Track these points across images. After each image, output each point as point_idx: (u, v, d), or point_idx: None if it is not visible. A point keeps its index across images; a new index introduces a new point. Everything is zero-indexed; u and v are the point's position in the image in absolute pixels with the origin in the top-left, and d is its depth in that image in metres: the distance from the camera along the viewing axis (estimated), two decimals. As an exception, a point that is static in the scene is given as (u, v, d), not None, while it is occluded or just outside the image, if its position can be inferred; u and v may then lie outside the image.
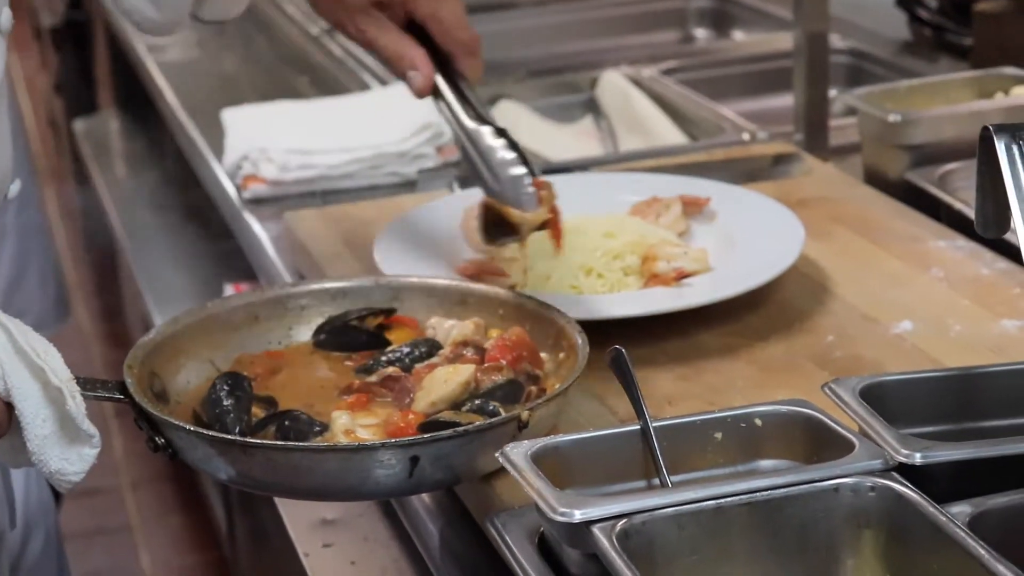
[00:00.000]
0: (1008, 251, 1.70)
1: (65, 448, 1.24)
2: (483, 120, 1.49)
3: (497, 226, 1.46)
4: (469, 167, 1.52)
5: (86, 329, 4.84)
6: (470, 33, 1.51)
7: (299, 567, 1.45)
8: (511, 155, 1.46)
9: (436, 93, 1.52)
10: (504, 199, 1.47)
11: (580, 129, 2.47)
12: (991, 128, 1.16)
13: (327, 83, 2.67)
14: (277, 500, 1.53)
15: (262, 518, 1.87)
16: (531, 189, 1.46)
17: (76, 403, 1.23)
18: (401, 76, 1.53)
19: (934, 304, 1.63)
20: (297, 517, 1.51)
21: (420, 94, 1.52)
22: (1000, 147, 1.15)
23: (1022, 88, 2.07)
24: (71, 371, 1.25)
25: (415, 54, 1.50)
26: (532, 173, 1.47)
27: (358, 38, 1.54)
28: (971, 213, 1.79)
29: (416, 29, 1.52)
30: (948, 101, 2.05)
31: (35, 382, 1.23)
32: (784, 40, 2.65)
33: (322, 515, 1.49)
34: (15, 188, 1.51)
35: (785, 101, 2.30)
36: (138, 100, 3.44)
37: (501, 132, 1.47)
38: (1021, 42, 2.30)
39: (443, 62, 1.51)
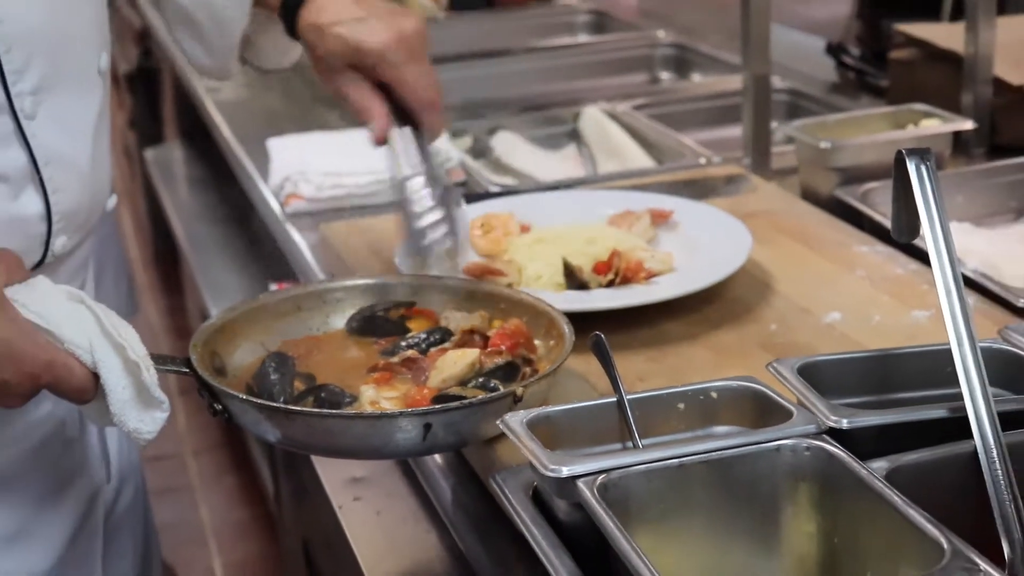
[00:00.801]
0: (918, 255, 1.70)
1: (141, 411, 1.25)
2: (422, 172, 1.48)
3: None
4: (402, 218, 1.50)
5: (154, 323, 4.84)
6: (431, 92, 1.48)
7: (334, 518, 1.45)
8: (423, 207, 1.46)
9: (383, 141, 1.50)
10: (412, 244, 1.47)
11: (565, 155, 2.48)
12: (904, 152, 1.17)
13: (354, 118, 2.65)
14: (314, 460, 1.53)
15: (302, 478, 1.87)
16: (426, 242, 1.46)
17: (150, 374, 1.24)
18: (364, 126, 1.51)
19: (858, 298, 1.63)
20: (331, 475, 1.51)
21: (375, 143, 1.51)
22: (911, 167, 1.17)
23: (929, 121, 2.08)
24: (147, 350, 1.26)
25: (376, 109, 1.49)
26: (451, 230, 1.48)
27: (334, 92, 1.53)
28: (888, 223, 1.79)
29: (387, 87, 1.49)
30: (869, 131, 2.06)
31: (117, 356, 1.23)
32: (734, 81, 2.65)
33: (352, 473, 1.50)
34: (112, 202, 1.52)
35: (735, 132, 2.31)
36: (198, 132, 3.44)
37: (434, 182, 1.46)
38: (928, 84, 2.32)
39: (409, 117, 1.48)
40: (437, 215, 1.48)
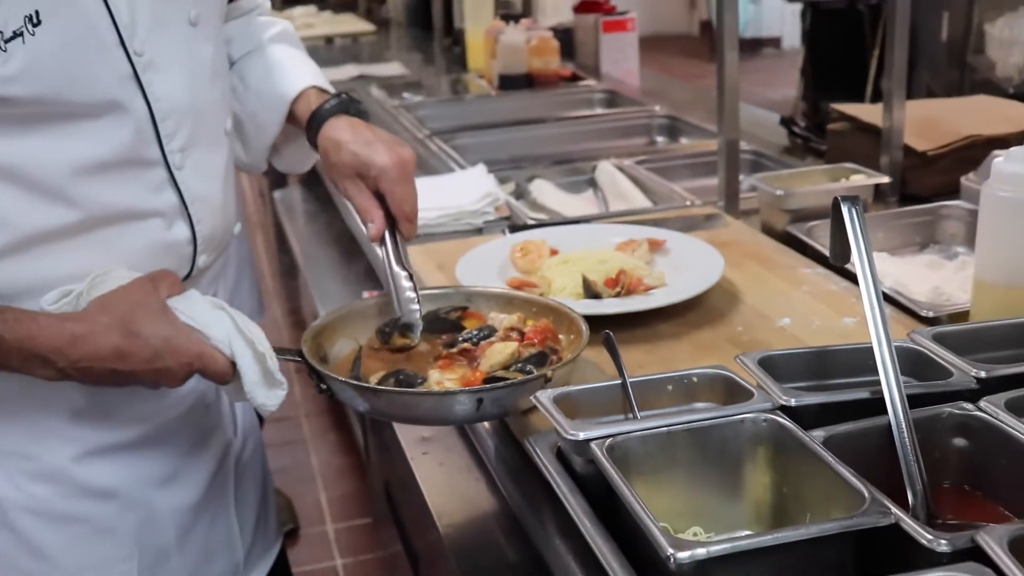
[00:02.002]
0: (848, 276, 1.69)
1: (267, 390, 1.26)
2: (403, 266, 1.44)
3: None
4: (389, 292, 1.45)
5: (279, 321, 4.87)
6: (411, 208, 1.44)
7: (407, 466, 1.45)
8: (411, 295, 1.42)
9: (382, 241, 1.45)
10: (402, 317, 1.42)
11: (585, 197, 2.48)
12: (839, 198, 1.18)
13: (428, 167, 2.67)
14: (394, 424, 1.52)
15: (384, 436, 1.87)
16: (417, 316, 1.42)
17: (273, 362, 1.25)
18: (363, 223, 1.47)
19: (803, 308, 1.62)
20: (406, 435, 1.50)
21: (373, 239, 1.46)
22: (844, 209, 1.17)
23: (856, 176, 2.06)
24: (270, 343, 1.26)
25: (375, 213, 1.44)
26: (419, 302, 1.43)
27: (342, 193, 1.49)
28: (826, 252, 1.78)
29: (381, 195, 1.45)
30: (812, 183, 2.04)
31: (248, 349, 1.24)
32: (711, 144, 2.66)
33: (421, 434, 1.49)
34: (237, 228, 1.52)
35: (712, 182, 2.30)
36: (313, 178, 3.45)
37: (411, 277, 1.44)
38: (855, 149, 2.29)
39: (392, 220, 1.45)
40: (414, 295, 1.44)
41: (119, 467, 1.36)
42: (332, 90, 1.55)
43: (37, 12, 1.16)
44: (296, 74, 1.56)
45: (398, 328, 1.43)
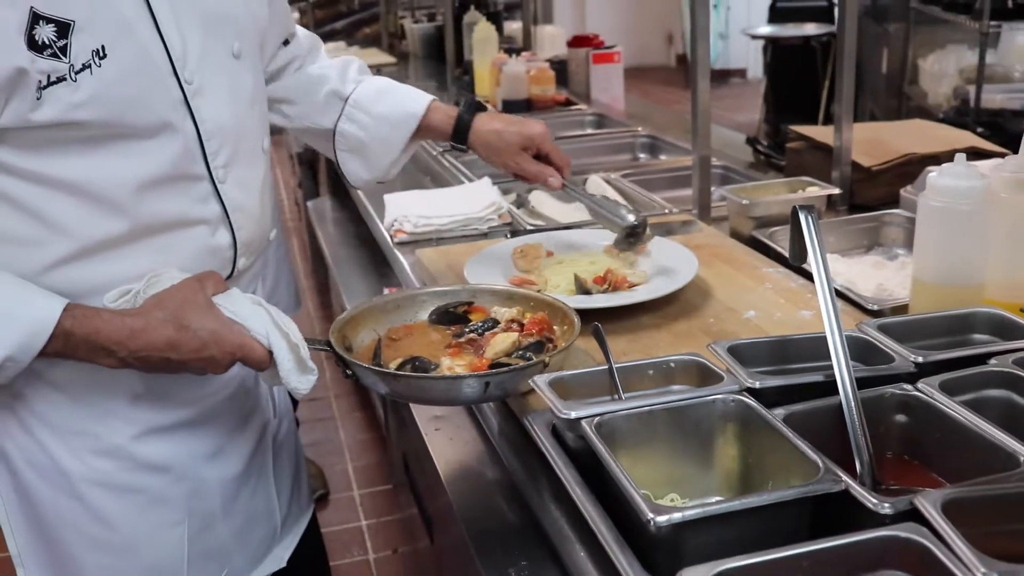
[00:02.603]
0: (805, 275, 1.68)
1: (299, 375, 1.25)
2: (587, 193, 1.71)
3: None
4: (595, 214, 1.70)
5: (312, 314, 4.85)
6: (567, 158, 1.66)
7: (422, 441, 1.43)
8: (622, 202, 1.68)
9: (564, 186, 1.65)
10: (613, 221, 1.66)
11: (577, 206, 2.45)
12: (797, 207, 1.17)
13: (440, 179, 2.67)
14: (411, 404, 1.51)
15: (402, 415, 1.86)
16: (631, 217, 1.67)
17: (305, 351, 1.24)
18: (544, 183, 1.65)
19: (766, 302, 1.61)
20: (421, 414, 1.49)
21: (558, 188, 1.66)
22: (802, 216, 1.16)
23: (812, 188, 2.05)
24: (302, 334, 1.26)
25: (550, 171, 1.64)
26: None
27: (514, 168, 1.65)
28: (786, 254, 1.77)
29: (541, 157, 1.65)
30: (773, 193, 2.02)
31: (283, 340, 1.23)
32: (687, 160, 2.64)
33: (434, 413, 1.48)
34: (273, 234, 1.52)
35: (687, 192, 2.28)
36: (341, 190, 3.45)
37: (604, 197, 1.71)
38: (810, 164, 2.28)
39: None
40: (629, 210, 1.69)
41: (172, 444, 1.36)
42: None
43: (103, 47, 1.16)
44: (412, 94, 1.69)
45: (625, 235, 1.66)
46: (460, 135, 1.64)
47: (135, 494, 1.34)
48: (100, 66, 1.16)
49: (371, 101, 1.66)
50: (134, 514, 1.34)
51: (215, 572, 1.42)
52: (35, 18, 1.11)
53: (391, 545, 3.16)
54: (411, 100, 1.66)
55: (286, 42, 1.63)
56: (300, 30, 1.69)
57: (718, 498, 1.07)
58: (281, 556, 1.53)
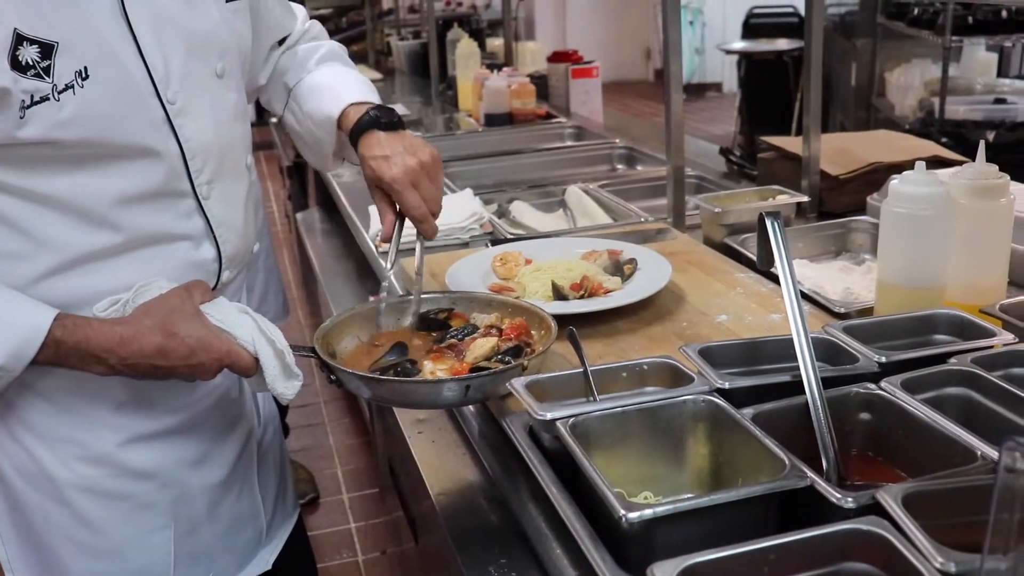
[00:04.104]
0: (775, 279, 1.63)
1: (285, 381, 1.24)
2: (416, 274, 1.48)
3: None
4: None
5: (302, 322, 4.84)
6: (421, 211, 1.41)
7: (406, 444, 1.43)
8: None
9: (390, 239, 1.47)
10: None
11: (556, 216, 2.47)
12: (763, 213, 1.18)
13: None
14: (394, 409, 1.50)
15: (387, 419, 1.86)
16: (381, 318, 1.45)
17: (290, 357, 1.24)
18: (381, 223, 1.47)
19: (737, 306, 1.61)
20: (404, 418, 1.48)
21: (383, 239, 1.47)
22: (768, 223, 1.17)
23: (781, 196, 2.06)
24: (288, 342, 1.25)
25: (386, 218, 1.45)
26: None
27: (371, 195, 1.48)
28: (756, 260, 1.78)
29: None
30: (745, 202, 2.03)
31: (269, 347, 1.23)
32: (663, 170, 2.65)
33: (417, 417, 1.47)
34: (257, 247, 1.51)
35: (661, 202, 2.29)
36: (330, 201, 3.44)
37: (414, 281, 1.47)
38: (781, 174, 2.30)
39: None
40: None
41: (157, 451, 1.35)
42: (373, 100, 1.52)
43: (86, 68, 1.16)
44: (338, 94, 1.54)
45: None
46: (354, 149, 1.49)
47: (121, 500, 1.33)
48: (83, 87, 1.15)
49: (304, 97, 1.59)
50: (120, 520, 1.33)
51: (201, 575, 1.41)
52: (19, 39, 1.11)
53: (380, 546, 3.15)
54: (332, 102, 1.53)
55: (282, 41, 1.61)
56: (300, 18, 1.66)
57: (689, 495, 1.06)
58: (267, 559, 1.52)
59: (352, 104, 1.51)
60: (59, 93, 1.14)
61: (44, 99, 1.13)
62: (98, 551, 1.33)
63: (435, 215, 1.43)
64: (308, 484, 3.42)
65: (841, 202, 2.15)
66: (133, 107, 1.21)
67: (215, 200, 1.33)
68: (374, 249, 2.13)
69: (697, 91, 10.86)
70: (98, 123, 1.18)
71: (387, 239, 1.46)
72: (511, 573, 1.07)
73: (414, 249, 2.00)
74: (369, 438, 3.55)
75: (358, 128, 1.47)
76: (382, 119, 1.47)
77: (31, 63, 1.12)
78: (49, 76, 1.13)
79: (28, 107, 1.13)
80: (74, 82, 1.14)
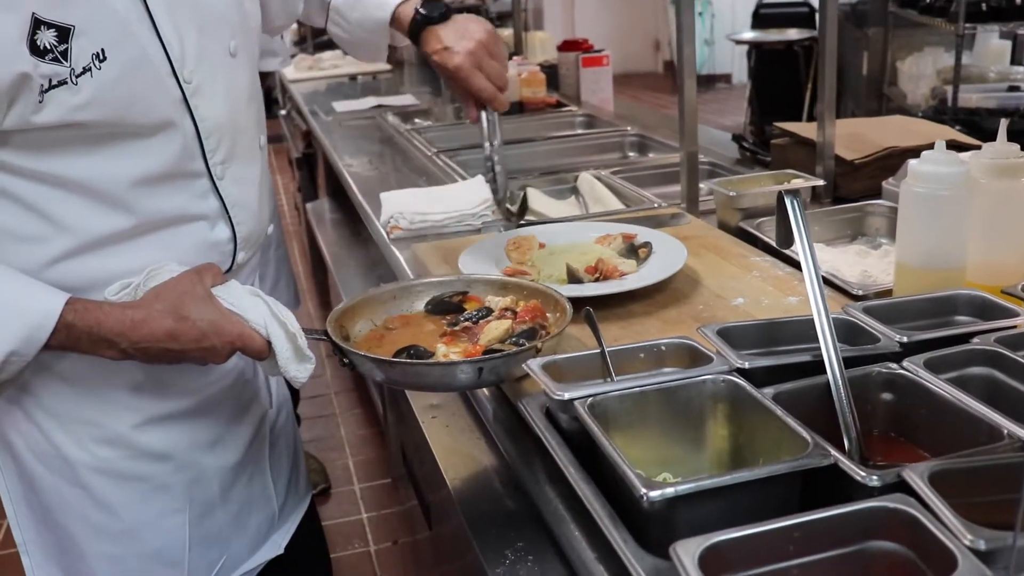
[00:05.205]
0: (792, 263, 1.67)
1: (297, 364, 1.24)
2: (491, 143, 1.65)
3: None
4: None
5: (312, 313, 4.85)
6: (489, 92, 1.55)
7: (419, 430, 1.42)
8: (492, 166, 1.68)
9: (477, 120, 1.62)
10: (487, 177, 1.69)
11: (568, 202, 2.45)
12: (783, 192, 1.15)
13: (434, 179, 2.66)
14: (407, 394, 1.50)
15: (400, 406, 1.85)
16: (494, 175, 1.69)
17: (302, 340, 1.24)
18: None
19: (754, 289, 1.59)
20: (417, 403, 1.48)
21: (471, 121, 1.62)
22: (788, 202, 1.14)
23: (796, 180, 2.03)
24: (301, 326, 1.25)
25: (468, 103, 1.59)
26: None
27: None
28: (773, 243, 1.76)
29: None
30: (759, 186, 2.01)
31: (281, 330, 1.23)
32: (675, 157, 2.63)
33: (430, 401, 1.47)
34: (271, 229, 1.51)
35: (676, 189, 2.27)
36: (339, 192, 3.44)
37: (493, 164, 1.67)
38: (795, 159, 2.28)
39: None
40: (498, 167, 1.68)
41: (172, 433, 1.35)
42: None
43: (103, 50, 1.15)
44: (379, 1, 1.62)
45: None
46: (415, 40, 1.61)
47: (137, 482, 1.33)
48: (100, 69, 1.15)
49: (348, 8, 1.67)
50: (136, 501, 1.33)
51: (215, 558, 1.41)
52: (36, 24, 1.11)
53: (391, 537, 3.15)
54: (376, 7, 1.62)
55: None
56: None
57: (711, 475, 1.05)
58: (279, 543, 1.52)
59: (399, 4, 1.59)
60: (77, 76, 1.13)
61: (62, 83, 1.13)
62: (113, 533, 1.33)
63: (502, 90, 1.56)
64: (319, 475, 3.41)
65: (856, 187, 2.13)
66: (151, 87, 1.21)
67: (229, 180, 1.33)
68: (385, 236, 2.12)
69: (707, 82, 10.82)
70: (115, 105, 1.18)
71: (474, 121, 1.62)
72: (528, 556, 1.06)
73: (425, 236, 2.03)
74: (380, 428, 3.54)
75: (414, 30, 1.57)
76: (432, 14, 1.56)
77: (49, 47, 1.11)
78: (67, 60, 1.13)
79: (46, 91, 1.12)
80: (91, 65, 1.14)
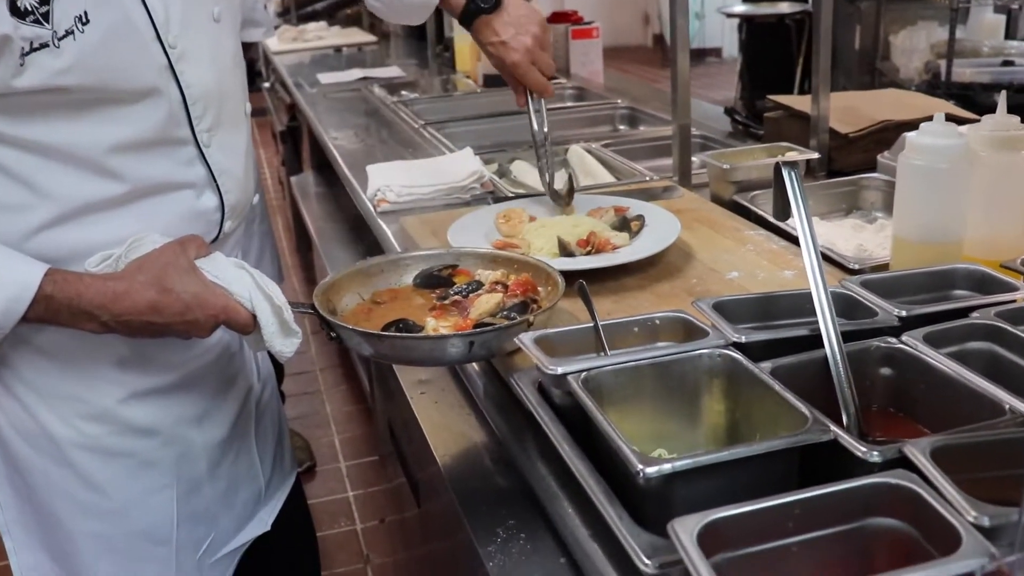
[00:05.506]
0: (786, 236, 1.66)
1: (283, 338, 1.22)
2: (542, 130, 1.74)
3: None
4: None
5: (296, 288, 4.83)
6: (541, 84, 1.66)
7: (408, 406, 1.41)
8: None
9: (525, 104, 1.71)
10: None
11: (560, 175, 2.43)
12: (781, 163, 1.14)
13: (421, 152, 2.64)
14: (395, 368, 1.49)
15: (387, 382, 1.84)
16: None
17: (288, 314, 1.22)
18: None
19: (748, 263, 1.58)
20: (405, 378, 1.47)
21: (520, 106, 1.71)
22: (785, 173, 1.13)
23: (790, 153, 2.02)
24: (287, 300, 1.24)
25: (517, 91, 1.69)
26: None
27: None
28: (767, 216, 1.75)
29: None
30: (753, 158, 1.99)
31: (266, 303, 1.21)
32: (666, 130, 2.64)
33: (419, 376, 1.46)
34: (256, 198, 1.50)
35: (667, 162, 2.27)
36: (324, 165, 3.41)
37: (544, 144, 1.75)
38: (788, 132, 2.27)
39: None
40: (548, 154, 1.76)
41: (158, 407, 1.33)
42: None
43: (86, 12, 1.13)
44: None
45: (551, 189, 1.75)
46: (466, 26, 1.67)
47: (125, 458, 1.31)
48: (83, 32, 1.13)
49: None
50: (124, 478, 1.32)
51: (203, 535, 1.40)
52: None
53: (378, 515, 3.14)
54: None
55: None
56: None
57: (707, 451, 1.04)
58: (265, 520, 1.51)
59: None
60: (59, 39, 1.11)
61: (43, 46, 1.11)
62: (101, 512, 1.32)
63: (551, 79, 1.68)
64: (304, 452, 3.40)
65: (850, 160, 2.12)
66: (135, 53, 1.19)
67: (216, 147, 1.31)
68: (372, 209, 2.10)
69: (697, 56, 10.77)
70: (99, 69, 1.16)
71: (522, 106, 1.70)
72: (520, 534, 1.05)
73: (413, 209, 2.01)
74: (366, 405, 3.53)
75: (466, 18, 1.63)
76: (485, 5, 1.61)
77: (30, 8, 1.09)
78: (48, 22, 1.10)
79: (27, 54, 1.10)
80: (74, 28, 1.12)
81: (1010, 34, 5.24)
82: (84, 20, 1.13)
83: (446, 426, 1.33)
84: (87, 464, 1.30)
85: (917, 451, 0.83)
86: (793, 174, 1.12)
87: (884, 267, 1.48)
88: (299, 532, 1.66)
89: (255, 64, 6.64)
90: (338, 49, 5.08)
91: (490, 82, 3.48)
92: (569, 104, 3.28)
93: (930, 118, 1.38)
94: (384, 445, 2.42)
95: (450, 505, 1.17)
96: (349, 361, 3.88)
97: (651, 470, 0.85)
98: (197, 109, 1.27)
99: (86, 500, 1.31)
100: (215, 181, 1.32)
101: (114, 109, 1.20)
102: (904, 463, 0.84)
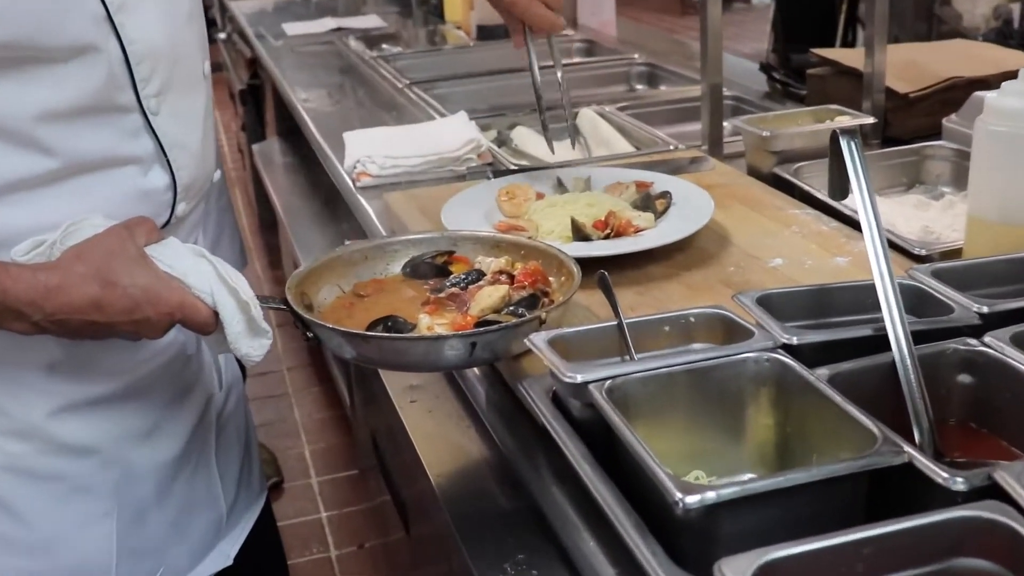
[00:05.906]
0: (837, 215, 1.65)
1: (251, 339, 1.21)
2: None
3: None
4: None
5: (260, 274, 4.83)
6: (547, 21, 1.68)
7: (396, 416, 1.40)
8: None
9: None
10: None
11: (566, 143, 2.40)
12: (838, 131, 1.12)
13: (406, 116, 2.63)
14: (381, 373, 1.48)
15: (371, 387, 1.83)
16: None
17: (257, 311, 1.20)
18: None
19: (794, 248, 1.57)
20: (393, 383, 1.45)
21: (516, 47, 1.76)
22: (844, 143, 1.11)
23: (841, 117, 2.01)
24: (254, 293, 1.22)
25: (515, 30, 1.73)
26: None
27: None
28: (815, 192, 1.74)
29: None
30: (797, 124, 1.98)
31: (231, 298, 1.20)
32: (688, 91, 2.65)
33: (409, 382, 1.44)
34: (216, 175, 1.48)
35: (693, 127, 2.25)
36: (291, 131, 3.40)
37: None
38: (836, 92, 2.26)
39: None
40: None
41: (96, 422, 1.31)
42: None
43: None
44: None
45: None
46: None
47: (54, 482, 1.29)
48: None
49: None
50: (52, 506, 1.29)
51: (149, 571, 1.38)
52: None
53: (356, 540, 3.14)
54: None
55: None
56: None
57: (751, 475, 1.02)
58: (227, 552, 1.49)
59: None
60: None
61: None
62: (25, 545, 1.29)
63: (557, 12, 1.69)
64: (270, 467, 3.40)
65: (910, 125, 2.11)
66: (64, 2, 1.16)
67: (166, 116, 1.29)
68: (351, 184, 2.08)
69: (723, 3, 10.76)
70: (21, 22, 1.13)
71: (520, 47, 1.75)
72: (531, 571, 1.03)
73: (399, 183, 1.99)
74: (343, 411, 3.52)
75: None
76: None
77: None
78: None
79: None
80: None
81: (1092, -26, 5.22)
82: None
83: (441, 439, 1.32)
84: (8, 488, 1.27)
85: (1011, 477, 0.81)
86: (854, 145, 1.10)
87: (956, 253, 1.46)
88: (268, 563, 1.65)
89: (208, 10, 6.60)
90: (307, -7, 5.06)
91: (485, 34, 3.47)
92: (577, 60, 3.27)
93: (1012, 75, 1.36)
94: (365, 458, 2.41)
95: (445, 531, 1.16)
96: (321, 359, 3.88)
97: (692, 499, 0.82)
98: (142, 70, 1.24)
99: (6, 532, 1.28)
100: (165, 155, 1.30)
101: (41, 70, 1.16)
102: (994, 492, 0.82)
